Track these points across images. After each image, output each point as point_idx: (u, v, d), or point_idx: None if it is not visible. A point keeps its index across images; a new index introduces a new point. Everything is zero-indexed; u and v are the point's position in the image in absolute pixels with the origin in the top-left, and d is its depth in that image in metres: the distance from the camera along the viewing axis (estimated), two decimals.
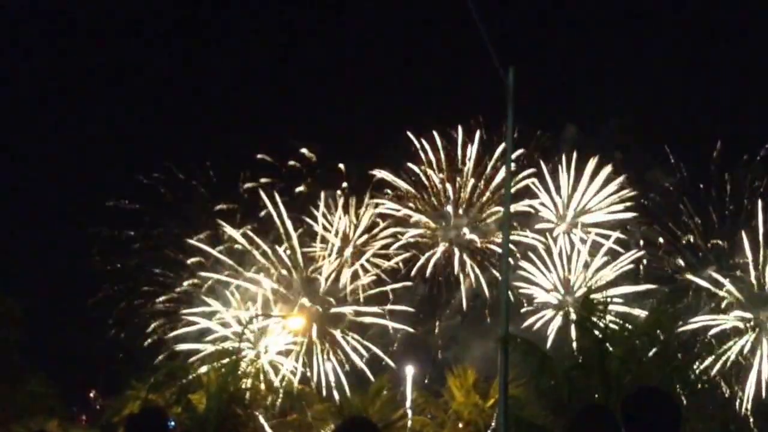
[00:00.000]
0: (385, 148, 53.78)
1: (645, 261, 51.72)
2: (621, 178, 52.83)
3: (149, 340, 49.62)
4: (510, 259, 47.27)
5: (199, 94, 74.43)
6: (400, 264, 53.35)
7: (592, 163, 52.68)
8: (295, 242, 52.10)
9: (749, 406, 46.81)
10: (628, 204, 52.61)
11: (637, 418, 5.21)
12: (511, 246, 49.54)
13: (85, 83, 73.91)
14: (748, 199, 50.34)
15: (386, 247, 53.33)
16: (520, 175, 52.73)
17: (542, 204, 53.22)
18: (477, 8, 16.50)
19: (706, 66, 71.70)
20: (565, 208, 53.17)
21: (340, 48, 74.62)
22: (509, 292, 47.10)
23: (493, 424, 29.61)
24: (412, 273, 53.38)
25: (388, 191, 54.06)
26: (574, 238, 52.48)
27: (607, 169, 52.78)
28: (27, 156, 68.72)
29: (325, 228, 52.65)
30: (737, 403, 46.62)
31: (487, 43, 16.88)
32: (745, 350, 48.19)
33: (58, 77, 72.79)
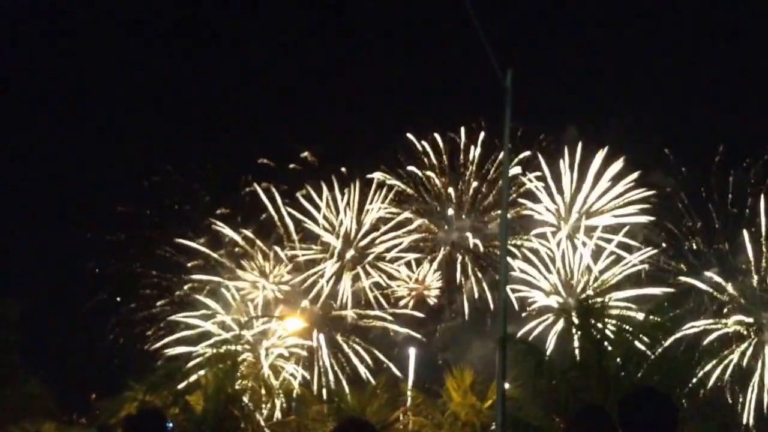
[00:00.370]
0: (385, 149, 53.75)
1: (646, 266, 51.34)
2: (635, 175, 51.83)
3: (148, 344, 49.66)
4: (511, 262, 47.88)
5: (199, 95, 74.35)
6: (401, 270, 53.28)
7: (600, 156, 51.70)
8: (296, 244, 52.16)
9: (752, 409, 46.74)
10: (641, 206, 51.83)
11: (634, 419, 5.18)
12: (513, 249, 49.82)
13: (85, 83, 73.85)
14: (751, 199, 50.16)
15: (388, 250, 53.29)
16: (525, 178, 52.54)
17: (546, 209, 52.95)
18: (476, 10, 16.49)
19: (707, 66, 71.61)
20: (567, 211, 52.86)
21: (339, 49, 74.52)
22: (511, 295, 47.07)
23: (493, 426, 29.54)
24: (414, 278, 53.34)
25: (390, 194, 53.99)
26: (578, 241, 52.17)
27: (618, 165, 51.86)
28: (27, 156, 68.65)
29: (325, 229, 52.65)
30: (739, 407, 46.54)
31: (486, 45, 16.87)
32: (747, 354, 48.07)
33: (58, 77, 72.78)
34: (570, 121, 52.72)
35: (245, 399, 29.13)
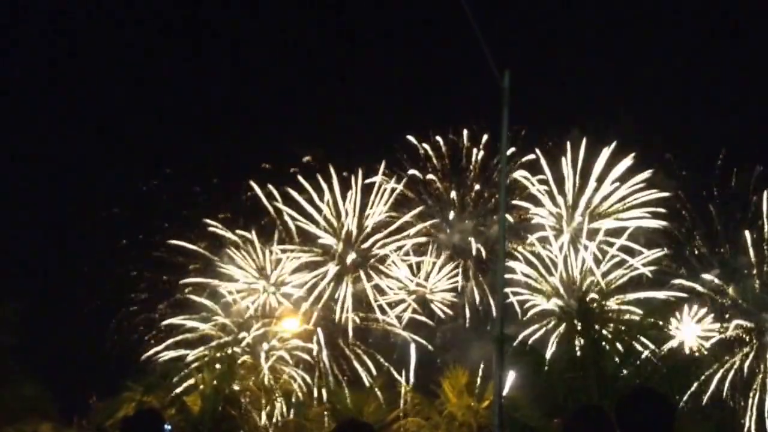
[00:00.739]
0: (386, 149, 53.61)
1: (649, 270, 51.01)
2: (645, 174, 51.04)
3: (148, 346, 49.62)
4: (513, 265, 47.74)
5: (199, 96, 74.11)
6: (401, 272, 53.21)
7: (605, 154, 51.01)
8: (297, 247, 52.19)
9: (754, 414, 46.64)
10: (647, 210, 51.34)
11: (633, 419, 5.12)
12: (515, 252, 49.75)
13: (85, 83, 73.86)
14: (755, 199, 50.01)
15: (391, 252, 53.17)
16: (527, 180, 52.37)
17: (549, 212, 52.74)
18: (474, 11, 16.44)
19: (708, 66, 71.45)
20: (570, 214, 52.63)
21: (340, 49, 74.43)
22: (512, 299, 46.82)
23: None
24: (414, 280, 53.26)
25: (391, 197, 53.91)
26: (580, 245, 51.90)
27: (625, 164, 51.03)
28: (27, 156, 68.57)
29: (326, 231, 52.64)
30: (740, 412, 46.44)
31: (483, 46, 16.82)
32: (750, 358, 48.01)
33: (58, 77, 72.75)
34: (571, 123, 52.48)
35: (244, 400, 29.11)
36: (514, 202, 51.12)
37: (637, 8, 72.90)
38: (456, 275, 53.43)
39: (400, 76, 70.57)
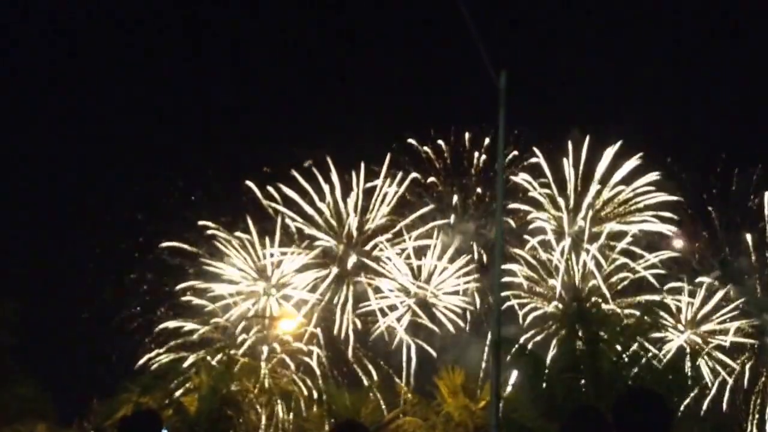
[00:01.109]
0: (386, 150, 53.47)
1: (650, 272, 50.88)
2: (651, 176, 50.58)
3: (148, 348, 49.54)
4: (514, 268, 47.69)
5: (199, 96, 74.07)
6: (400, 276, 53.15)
7: (608, 155, 50.78)
8: (297, 248, 52.14)
9: (755, 418, 46.60)
10: (651, 213, 51.11)
11: (631, 419, 5.11)
12: (516, 256, 49.74)
13: (85, 83, 73.95)
14: (756, 201, 49.93)
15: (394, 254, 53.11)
16: (527, 182, 52.26)
17: (551, 215, 52.61)
18: (473, 12, 16.41)
19: (708, 67, 71.41)
20: (572, 217, 52.52)
21: (339, 50, 74.41)
22: (513, 302, 46.70)
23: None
24: (416, 283, 53.18)
25: (393, 199, 53.84)
26: (582, 249, 51.77)
27: (632, 164, 50.80)
28: (26, 157, 68.59)
29: (327, 233, 52.62)
30: (741, 415, 46.44)
31: (480, 46, 16.78)
32: (751, 360, 47.99)
33: (58, 77, 72.86)
34: (571, 123, 52.36)
35: (242, 401, 29.07)
36: (515, 205, 51.04)
37: (637, 8, 72.92)
38: (459, 277, 53.38)
39: (400, 76, 70.56)
